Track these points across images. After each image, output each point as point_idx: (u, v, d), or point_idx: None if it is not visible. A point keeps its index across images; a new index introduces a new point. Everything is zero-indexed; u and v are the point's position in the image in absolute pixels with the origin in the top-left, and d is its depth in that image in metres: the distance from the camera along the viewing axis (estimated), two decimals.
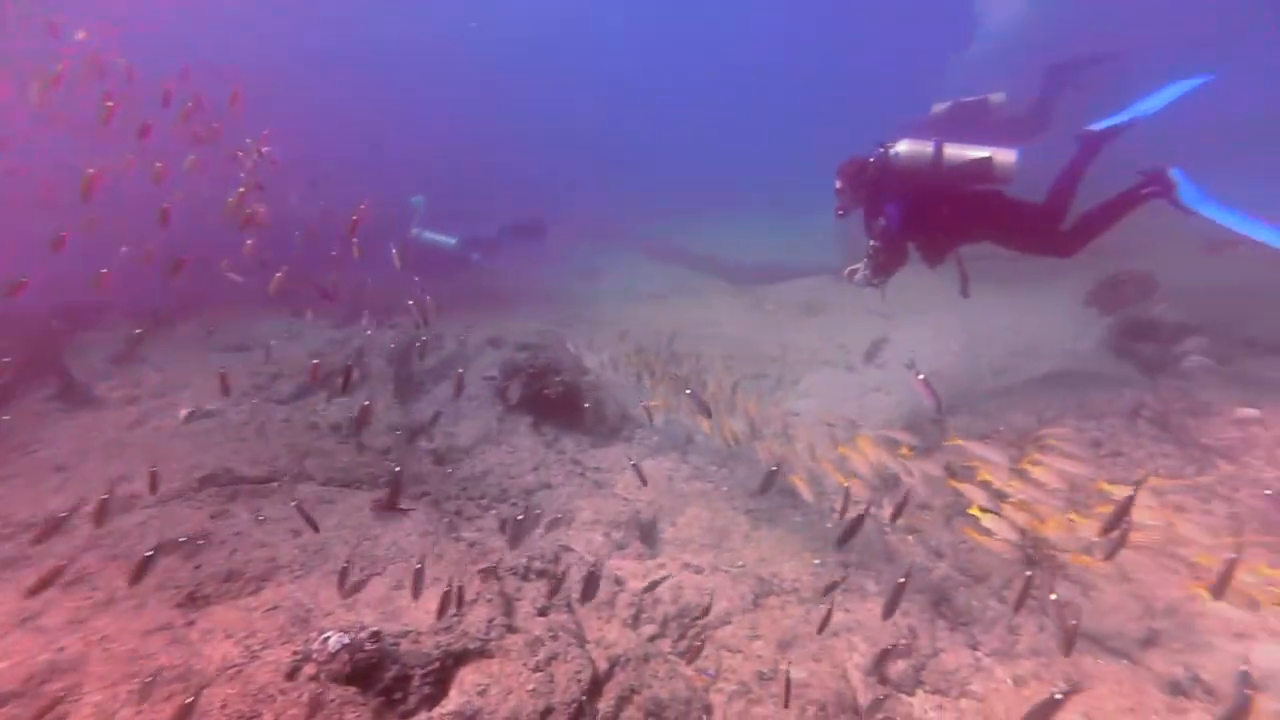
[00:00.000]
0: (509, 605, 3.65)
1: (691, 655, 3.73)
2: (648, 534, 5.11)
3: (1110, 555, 3.48)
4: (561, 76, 32.77)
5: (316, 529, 3.72)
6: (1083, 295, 8.67)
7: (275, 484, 4.35)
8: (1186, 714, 3.39)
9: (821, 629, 3.74)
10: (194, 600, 3.17)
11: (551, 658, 3.34)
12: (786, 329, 10.47)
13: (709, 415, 5.37)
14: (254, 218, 6.47)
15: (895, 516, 3.89)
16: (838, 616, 4.23)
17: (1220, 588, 3.20)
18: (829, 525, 5.34)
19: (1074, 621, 3.13)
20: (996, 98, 6.23)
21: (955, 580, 4.61)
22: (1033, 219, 4.98)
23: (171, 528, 3.80)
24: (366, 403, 4.89)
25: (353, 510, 4.26)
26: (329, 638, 2.70)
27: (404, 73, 26.43)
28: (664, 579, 4.39)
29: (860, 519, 3.58)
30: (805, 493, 4.83)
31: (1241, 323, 6.67)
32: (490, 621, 3.46)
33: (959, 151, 4.97)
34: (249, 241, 6.62)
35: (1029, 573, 3.67)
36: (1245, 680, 3.32)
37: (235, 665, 2.70)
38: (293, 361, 6.92)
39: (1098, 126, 5.20)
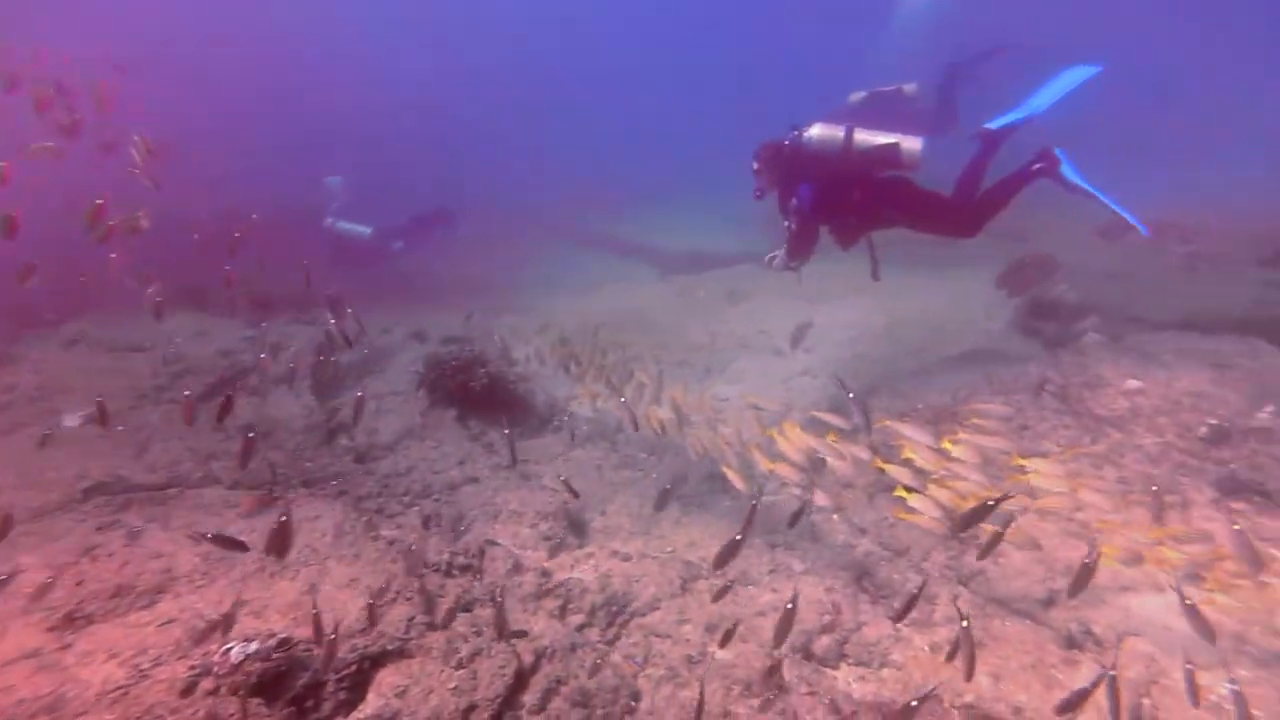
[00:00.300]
0: (430, 602, 3.54)
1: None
2: (577, 524, 5.07)
3: (984, 555, 3.66)
4: (510, 64, 32.19)
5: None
6: (993, 278, 9.10)
7: (175, 490, 4.09)
8: (1079, 665, 3.59)
9: (717, 599, 3.80)
10: (72, 621, 2.93)
11: (475, 654, 3.26)
12: (716, 316, 10.58)
13: (636, 427, 5.37)
14: (125, 226, 5.96)
15: (793, 523, 4.02)
16: (765, 596, 4.29)
17: (1079, 584, 3.38)
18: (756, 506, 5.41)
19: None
20: (910, 88, 6.42)
21: (877, 555, 4.76)
22: (939, 206, 5.19)
23: (45, 544, 3.51)
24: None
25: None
26: (231, 649, 2.55)
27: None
28: (592, 568, 4.35)
29: (802, 509, 3.65)
30: (736, 481, 4.88)
31: (1129, 302, 7.13)
32: (410, 620, 3.35)
33: (868, 137, 5.14)
34: (113, 255, 6.14)
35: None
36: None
37: (120, 688, 2.50)
38: (199, 361, 6.53)
39: (995, 124, 5.45)
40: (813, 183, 5.30)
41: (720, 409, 7.40)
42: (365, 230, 11.87)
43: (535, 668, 3.34)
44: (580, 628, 3.85)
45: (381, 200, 12.97)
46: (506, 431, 4.95)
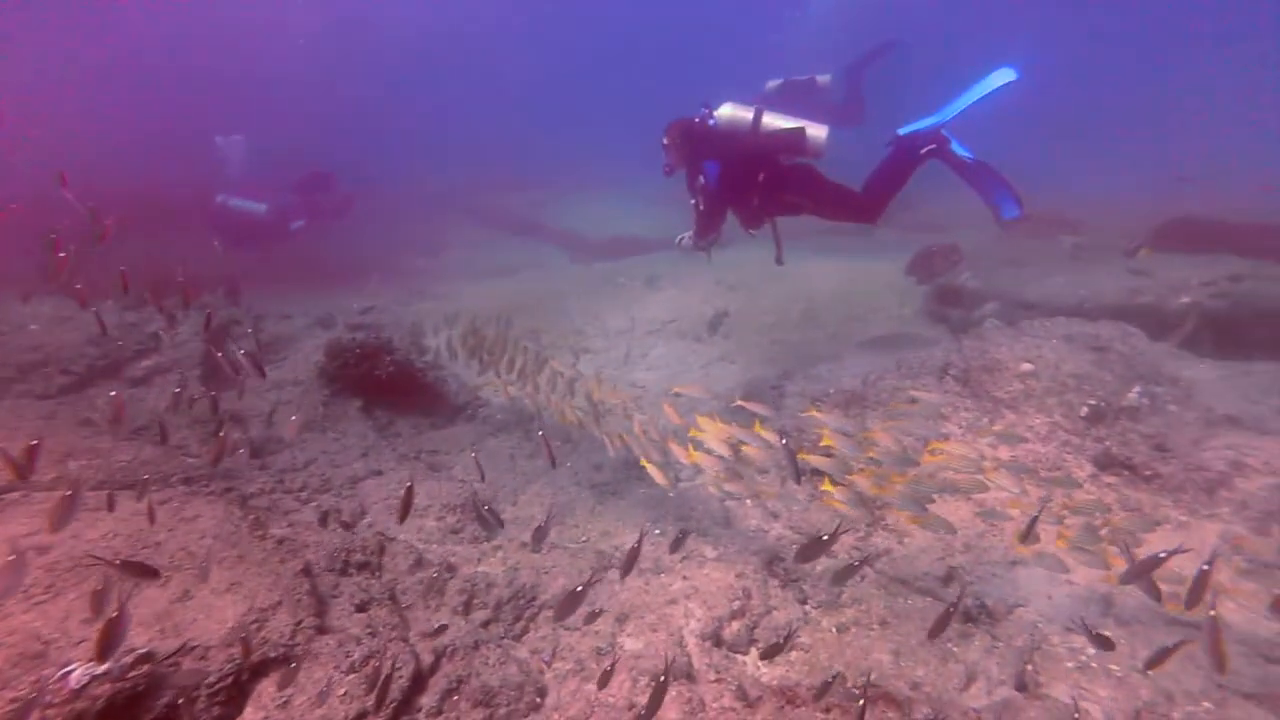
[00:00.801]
0: (321, 604, 3.32)
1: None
2: (486, 515, 4.90)
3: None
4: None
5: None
6: (904, 266, 9.41)
7: (18, 493, 3.67)
8: (972, 638, 3.73)
9: (626, 571, 3.74)
10: None
11: (369, 656, 3.08)
12: (637, 302, 10.52)
13: (552, 459, 5.23)
14: None
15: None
16: (676, 584, 4.27)
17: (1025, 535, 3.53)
18: (672, 495, 5.39)
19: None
20: (823, 79, 6.49)
21: (790, 539, 4.81)
22: (845, 193, 5.29)
23: None
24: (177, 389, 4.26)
25: (131, 515, 3.69)
26: (72, 671, 2.28)
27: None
28: (500, 561, 4.21)
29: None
30: (654, 473, 4.83)
31: (1022, 289, 7.51)
32: (297, 624, 3.12)
33: (775, 120, 5.20)
34: None
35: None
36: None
37: None
38: (63, 349, 5.93)
39: (906, 130, 5.55)
40: (720, 162, 5.32)
41: (639, 396, 7.35)
42: (260, 207, 10.79)
43: (435, 668, 3.18)
44: (486, 623, 3.71)
45: (279, 171, 11.92)
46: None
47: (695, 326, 9.26)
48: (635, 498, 5.49)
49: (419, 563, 3.90)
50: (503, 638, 3.68)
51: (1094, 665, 3.59)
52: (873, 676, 3.46)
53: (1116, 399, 5.35)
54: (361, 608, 3.42)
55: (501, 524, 4.54)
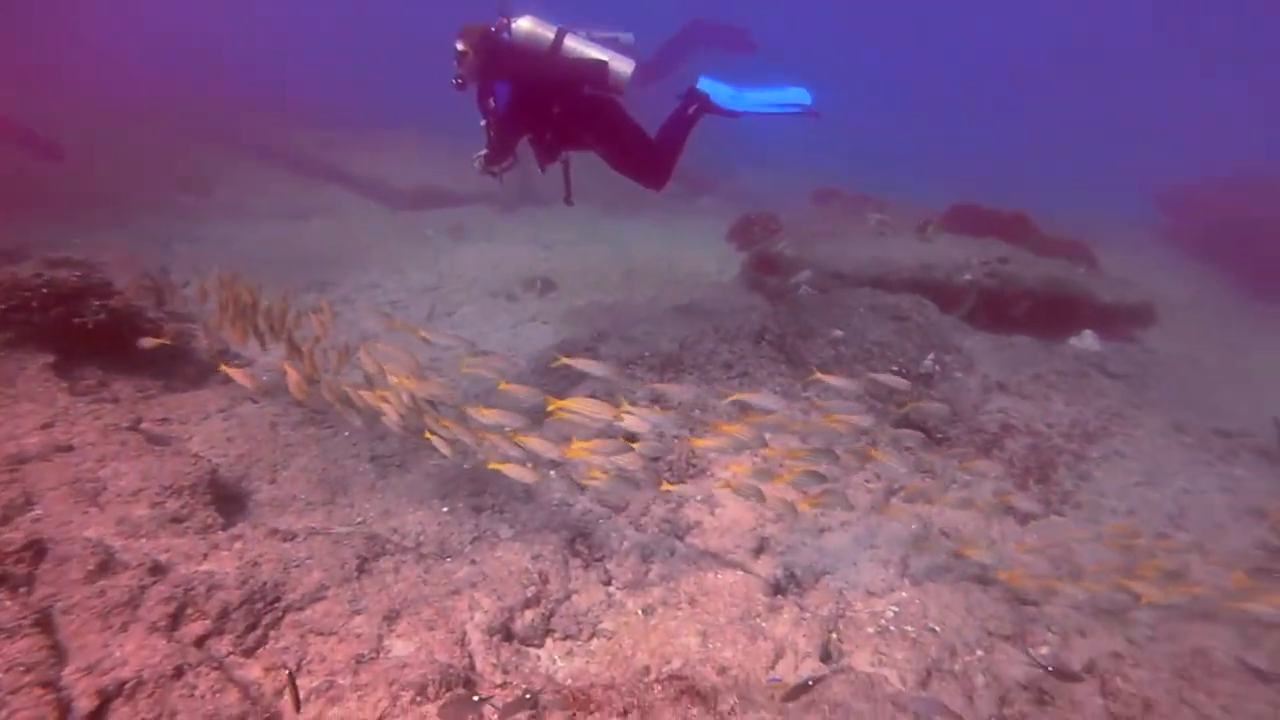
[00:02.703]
0: None
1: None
2: (226, 498, 3.94)
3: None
4: None
5: None
6: (725, 233, 9.39)
7: None
8: (781, 611, 3.55)
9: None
10: None
11: None
12: (444, 256, 9.57)
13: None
14: None
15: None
16: (462, 570, 3.66)
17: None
18: (466, 466, 4.74)
19: None
20: (625, 38, 6.10)
21: (596, 514, 4.38)
22: (641, 143, 4.95)
23: None
24: None
25: None
26: None
27: None
28: (234, 555, 3.33)
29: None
30: (440, 446, 4.13)
31: (834, 260, 7.74)
32: None
33: (579, 45, 4.73)
34: None
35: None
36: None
37: None
38: None
39: (701, 84, 5.24)
40: (512, 85, 4.69)
41: (437, 359, 6.55)
42: None
43: (100, 713, 2.31)
44: (201, 639, 2.85)
45: None
46: None
47: (508, 284, 8.55)
48: (424, 471, 4.77)
49: (104, 567, 2.92)
50: (227, 655, 2.85)
51: (892, 629, 3.55)
52: (679, 664, 3.13)
53: (915, 366, 5.54)
54: None
55: None
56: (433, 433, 4.07)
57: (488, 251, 9.85)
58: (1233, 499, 5.13)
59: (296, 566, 3.32)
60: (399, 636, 3.19)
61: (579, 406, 3.68)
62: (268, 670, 2.78)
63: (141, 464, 3.82)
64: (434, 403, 4.16)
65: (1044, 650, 3.55)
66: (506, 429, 4.40)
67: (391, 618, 3.26)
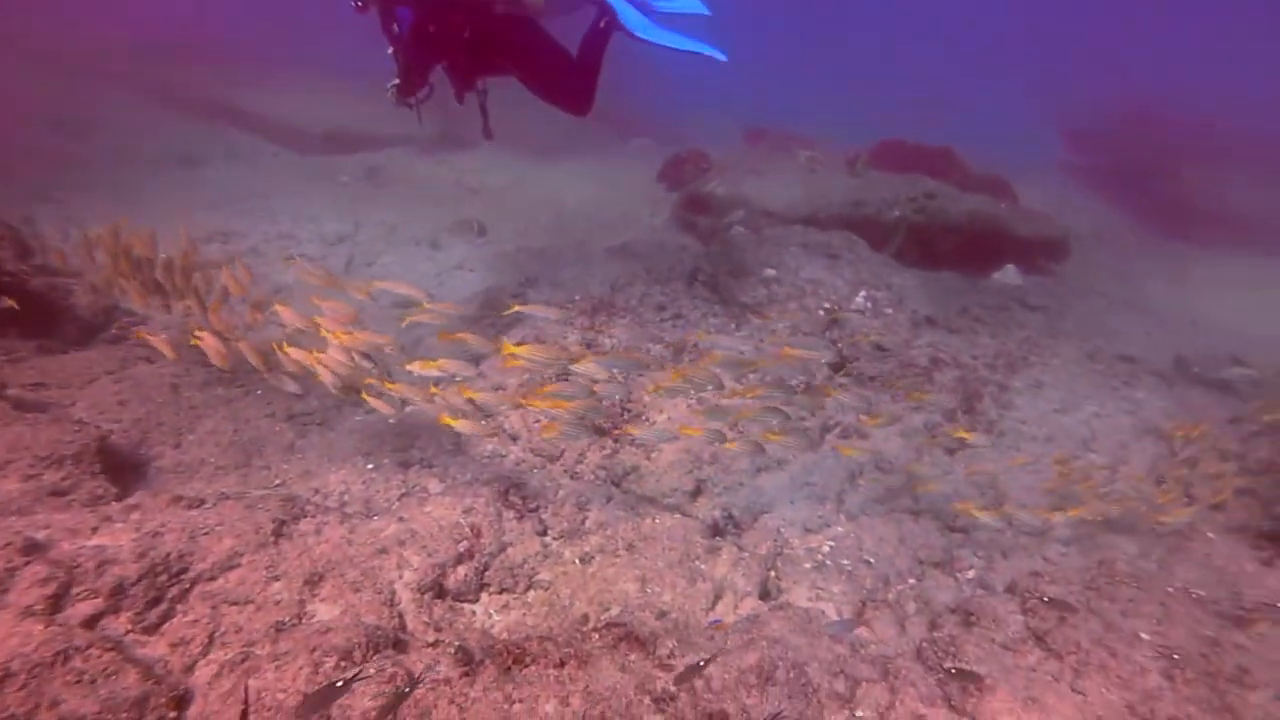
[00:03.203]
0: None
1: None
2: (121, 467, 3.62)
3: None
4: None
5: None
6: (655, 174, 9.14)
7: None
8: (720, 552, 3.54)
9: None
10: None
11: None
12: (362, 203, 9.00)
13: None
14: None
15: None
16: (390, 528, 3.49)
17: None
18: (392, 420, 4.52)
19: None
20: None
21: (529, 464, 4.25)
22: (562, 66, 4.62)
23: None
24: None
25: None
26: None
27: None
28: (131, 526, 3.05)
29: None
30: (379, 403, 3.88)
31: (766, 197, 7.65)
32: None
33: None
34: None
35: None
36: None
37: None
38: None
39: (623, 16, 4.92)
40: (416, 7, 4.25)
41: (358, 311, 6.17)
42: None
43: None
44: (93, 620, 2.61)
45: None
46: None
47: (431, 231, 8.12)
48: (347, 427, 4.53)
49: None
50: (125, 634, 2.62)
51: (829, 564, 3.60)
52: (618, 611, 3.08)
53: (847, 303, 5.55)
54: None
55: None
56: (373, 393, 3.83)
57: (408, 197, 9.31)
58: (1135, 420, 5.43)
59: (205, 534, 3.08)
60: (322, 601, 3.01)
61: (531, 352, 3.53)
62: (174, 646, 2.57)
63: (9, 434, 3.43)
64: (370, 356, 3.90)
65: (970, 574, 3.68)
66: (457, 379, 4.18)
67: (314, 581, 3.07)
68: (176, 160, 10.09)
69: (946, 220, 7.96)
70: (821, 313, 5.36)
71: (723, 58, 4.66)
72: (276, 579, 3.03)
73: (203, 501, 3.35)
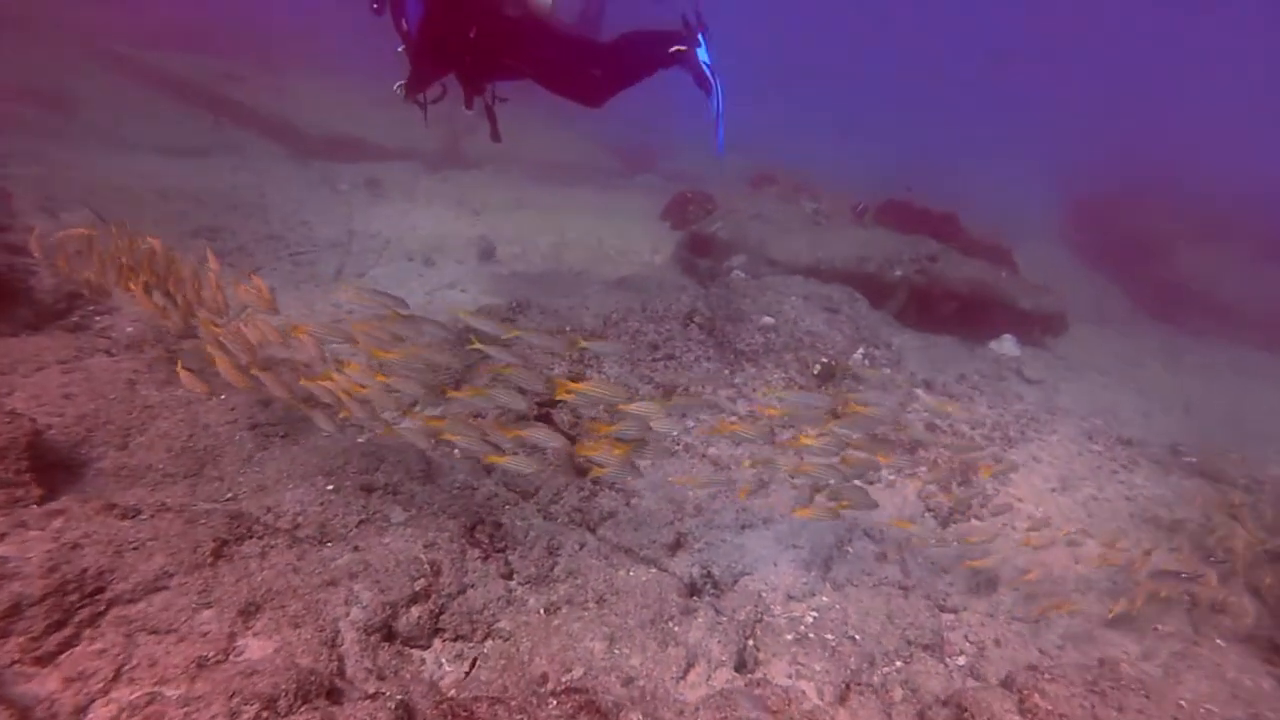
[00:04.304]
0: None
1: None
2: (53, 466, 3.33)
3: None
4: None
5: None
6: (659, 210, 9.04)
7: None
8: (696, 614, 3.28)
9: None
10: None
11: None
12: (359, 213, 8.81)
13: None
14: None
15: None
16: (343, 557, 3.21)
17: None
18: (361, 439, 4.25)
19: None
20: None
21: (502, 498, 3.99)
22: (578, 70, 4.49)
23: None
24: None
25: None
26: None
27: None
28: (49, 537, 2.76)
29: None
30: (320, 419, 3.63)
31: (768, 245, 7.54)
32: None
33: None
34: None
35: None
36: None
37: None
38: None
39: (700, 42, 4.84)
40: (424, 3, 4.14)
41: (339, 319, 5.94)
42: None
43: None
44: None
45: None
46: None
47: (426, 248, 7.93)
48: (313, 443, 4.25)
49: None
50: (10, 664, 2.31)
51: (811, 636, 3.35)
52: (580, 673, 2.80)
53: (844, 358, 5.38)
54: None
55: None
56: (314, 405, 3.57)
57: (408, 212, 9.15)
58: (1134, 507, 5.25)
59: (134, 549, 2.79)
60: (256, 635, 2.72)
61: (591, 389, 3.21)
62: (70, 681, 2.27)
63: None
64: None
65: (961, 661, 3.44)
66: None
67: (250, 612, 2.78)
68: (166, 149, 9.90)
69: (947, 284, 7.88)
70: (818, 366, 5.18)
71: (719, 152, 4.63)
72: (208, 606, 2.74)
73: (138, 512, 3.06)
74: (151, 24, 14.91)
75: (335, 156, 11.09)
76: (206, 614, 2.71)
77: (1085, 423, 6.10)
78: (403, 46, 4.28)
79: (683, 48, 4.47)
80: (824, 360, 5.29)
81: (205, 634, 2.63)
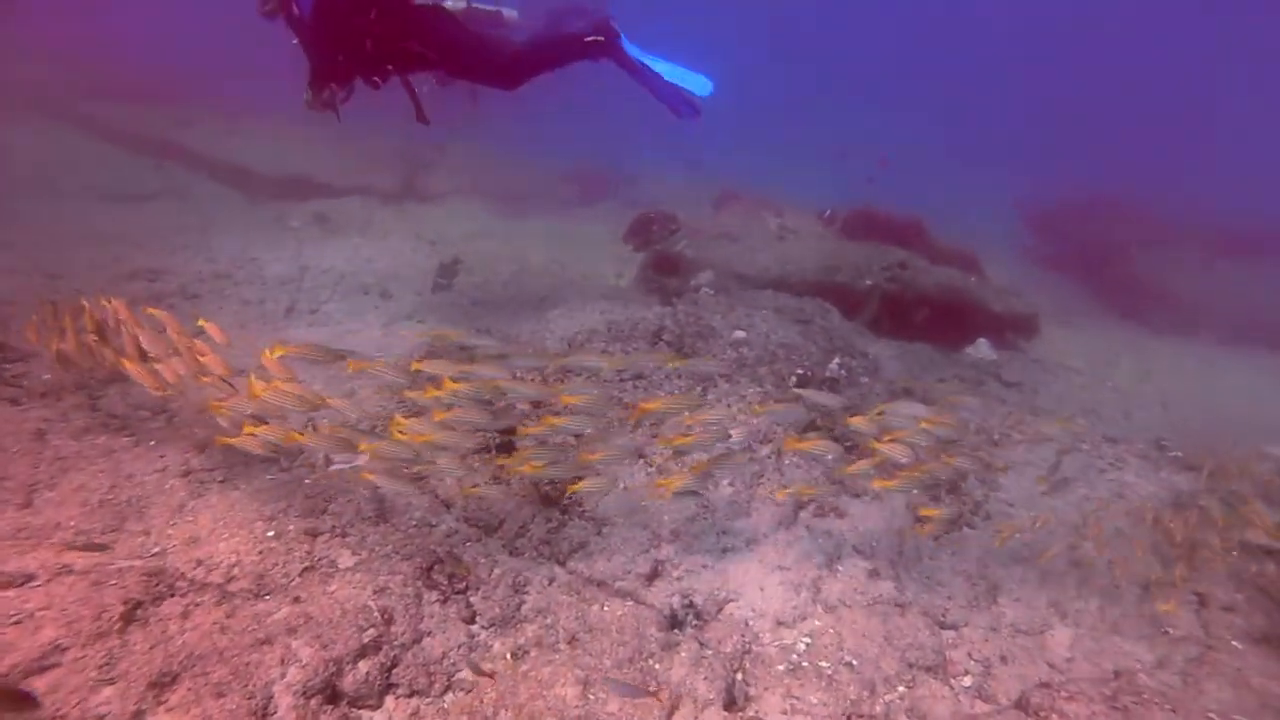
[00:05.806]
0: None
1: None
2: None
3: None
4: None
5: None
6: (621, 233, 8.88)
7: None
8: (678, 648, 2.98)
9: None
10: None
11: None
12: (311, 248, 8.49)
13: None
14: None
15: None
16: (281, 611, 2.86)
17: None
18: (309, 481, 3.90)
19: None
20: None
21: (463, 534, 3.66)
22: (485, 56, 4.32)
23: None
24: None
25: None
26: None
27: None
28: None
29: None
30: (255, 446, 3.29)
31: (736, 260, 7.40)
32: None
33: None
34: None
35: None
36: None
37: None
38: None
39: (625, 40, 4.75)
40: None
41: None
42: None
43: None
44: None
45: None
46: None
47: (382, 281, 7.63)
48: (255, 486, 3.88)
49: None
50: None
51: (805, 664, 3.06)
52: None
53: (820, 370, 5.18)
54: None
55: None
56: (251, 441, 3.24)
57: (361, 246, 8.84)
58: (1126, 505, 5.07)
59: (16, 623, 2.42)
60: (170, 710, 2.36)
61: (663, 405, 3.37)
62: None
63: None
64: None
65: (967, 681, 3.17)
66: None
67: (163, 684, 2.42)
68: (104, 195, 9.52)
69: (919, 290, 7.78)
70: (794, 379, 4.97)
71: (705, 92, 4.44)
72: (109, 683, 2.37)
73: (31, 578, 2.68)
74: (101, 76, 14.57)
75: (288, 195, 10.79)
76: (106, 692, 2.35)
77: (1069, 423, 5.96)
78: (297, 39, 4.02)
79: (600, 38, 4.35)
80: (799, 372, 5.08)
81: (102, 717, 2.26)
